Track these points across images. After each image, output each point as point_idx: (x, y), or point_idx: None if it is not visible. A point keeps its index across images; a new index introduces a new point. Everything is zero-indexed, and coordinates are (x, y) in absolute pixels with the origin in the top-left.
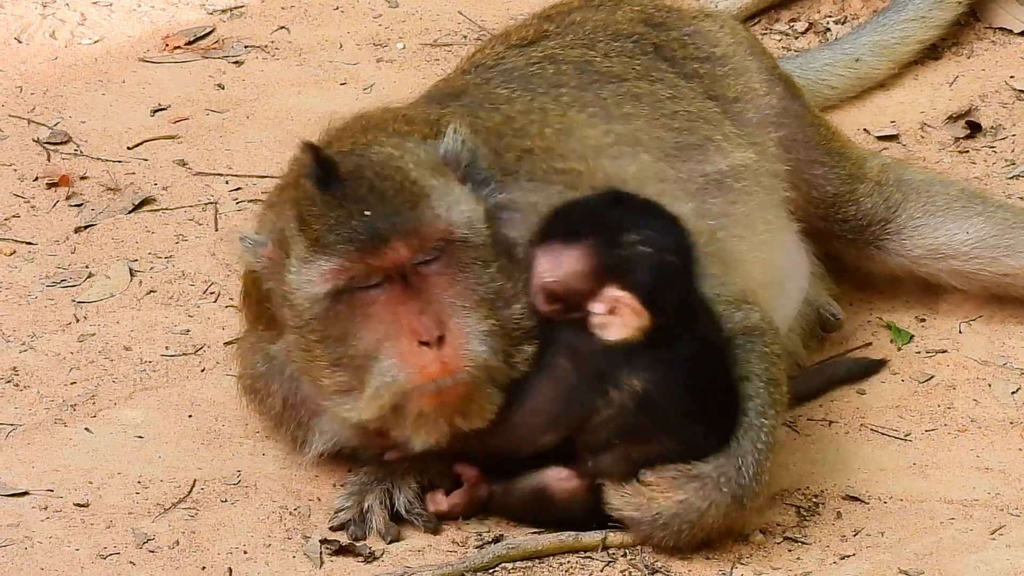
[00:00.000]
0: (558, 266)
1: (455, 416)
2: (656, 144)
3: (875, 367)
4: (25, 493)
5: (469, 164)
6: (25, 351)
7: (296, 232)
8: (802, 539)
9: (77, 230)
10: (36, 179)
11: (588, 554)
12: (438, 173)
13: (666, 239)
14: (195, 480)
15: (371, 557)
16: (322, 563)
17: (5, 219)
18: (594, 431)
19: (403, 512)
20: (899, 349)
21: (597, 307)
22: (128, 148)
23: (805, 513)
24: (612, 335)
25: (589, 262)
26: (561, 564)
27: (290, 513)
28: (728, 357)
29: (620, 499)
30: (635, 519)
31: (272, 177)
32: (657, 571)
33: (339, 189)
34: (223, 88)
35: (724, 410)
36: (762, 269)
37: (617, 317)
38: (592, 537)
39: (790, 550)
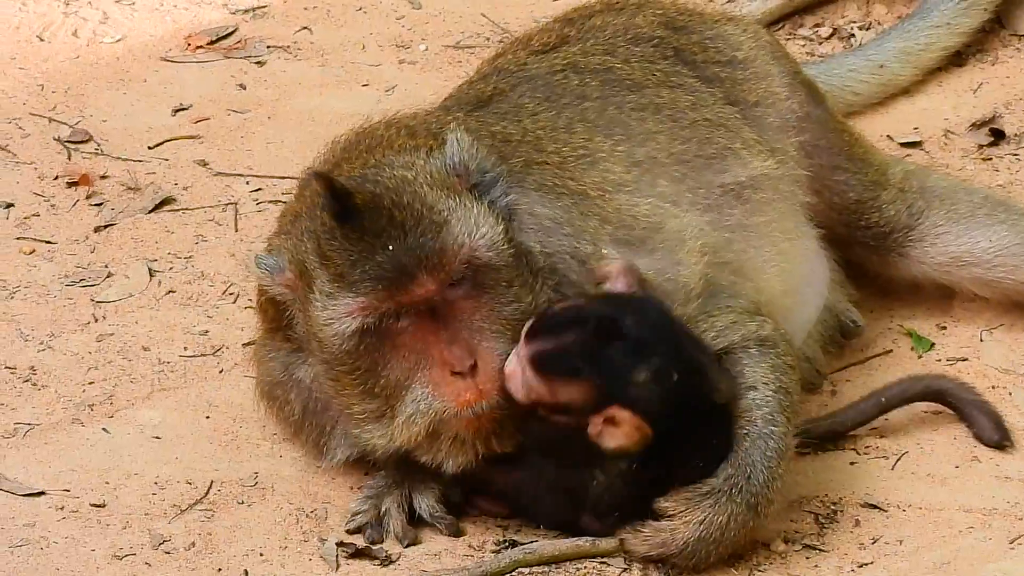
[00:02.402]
0: (555, 394)
1: (490, 439)
2: (675, 162)
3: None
4: (41, 493)
5: (476, 169)
6: (43, 350)
7: (318, 266)
8: (820, 546)
9: (97, 229)
10: (56, 178)
11: (605, 559)
12: (452, 191)
13: (673, 361)
14: (212, 481)
15: (388, 561)
16: (338, 566)
17: (25, 218)
18: (593, 503)
19: (425, 516)
20: (919, 357)
21: (598, 420)
22: (149, 148)
23: (823, 520)
24: (610, 444)
25: (593, 394)
26: (578, 569)
27: (307, 515)
28: (715, 384)
29: (643, 544)
30: (663, 555)
31: (293, 178)
32: None
33: (358, 222)
34: (245, 88)
35: (718, 434)
36: (781, 277)
37: (618, 430)
38: (610, 542)
39: (808, 557)
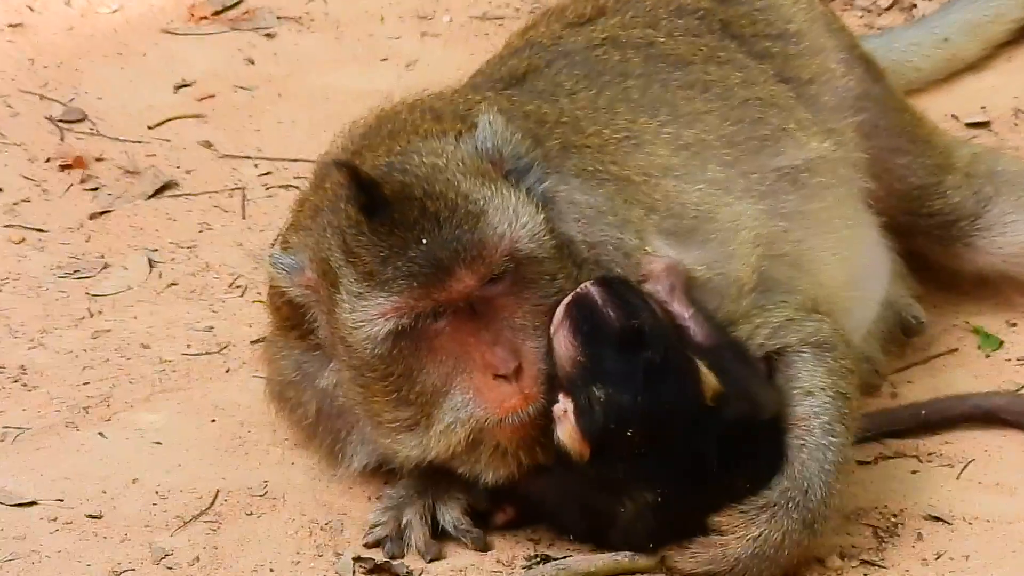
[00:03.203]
0: (560, 344)
1: (534, 448)
2: (725, 145)
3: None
4: (33, 503)
5: (511, 154)
6: (34, 348)
7: (343, 264)
8: (879, 563)
9: (92, 216)
10: (48, 160)
11: None
12: (487, 179)
13: (647, 412)
14: (218, 490)
15: None
16: None
17: (14, 204)
18: (624, 533)
19: (450, 528)
20: (987, 356)
21: (559, 405)
22: (149, 128)
23: (883, 534)
24: (557, 434)
25: (567, 367)
26: None
27: (321, 528)
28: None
29: (690, 561)
30: (713, 573)
31: (305, 161)
32: None
33: (387, 215)
34: (253, 63)
35: (766, 447)
36: (840, 269)
37: (562, 426)
38: (651, 558)
39: (866, 574)
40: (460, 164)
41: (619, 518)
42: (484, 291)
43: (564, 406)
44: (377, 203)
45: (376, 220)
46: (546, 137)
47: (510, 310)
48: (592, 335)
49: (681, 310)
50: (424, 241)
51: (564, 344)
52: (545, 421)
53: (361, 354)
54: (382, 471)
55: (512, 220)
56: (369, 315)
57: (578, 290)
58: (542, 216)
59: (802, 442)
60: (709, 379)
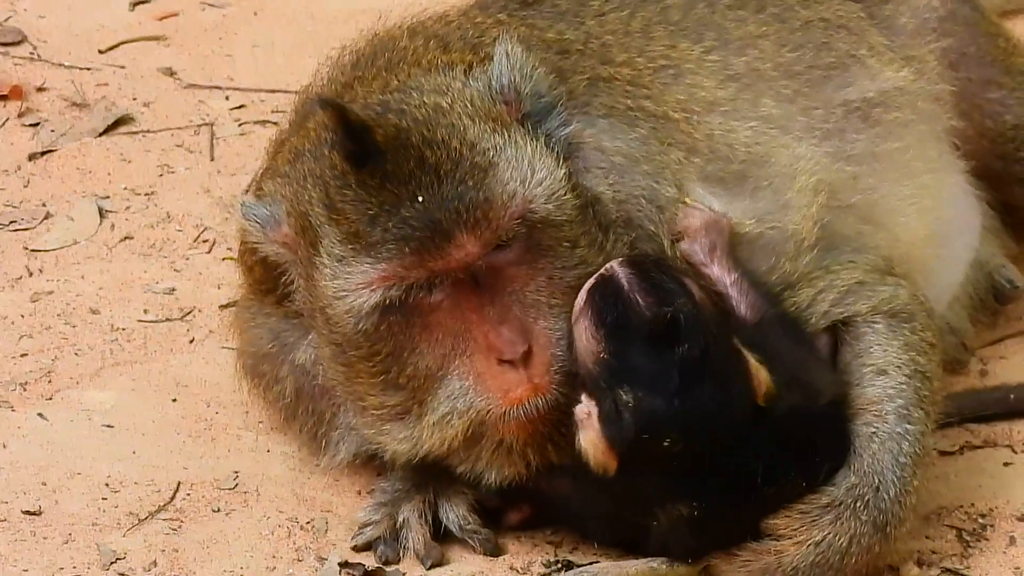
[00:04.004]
0: (574, 328)
1: (545, 446)
2: (783, 75)
3: None
4: None
5: (530, 93)
6: None
7: (326, 221)
8: (964, 571)
9: (32, 157)
10: None
11: None
12: (499, 124)
13: (677, 418)
14: (179, 483)
15: None
16: None
17: None
18: (659, 547)
19: (454, 529)
20: None
21: (581, 409)
22: (100, 52)
23: (969, 538)
24: (579, 442)
25: (591, 365)
26: None
27: (301, 528)
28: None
29: (739, 571)
30: None
31: (285, 92)
32: None
33: (378, 166)
34: None
35: (827, 437)
36: (921, 221)
37: (585, 434)
38: (689, 567)
39: None
40: (468, 105)
41: (652, 530)
42: (490, 259)
43: (588, 408)
44: (367, 151)
45: (365, 171)
46: (570, 71)
47: (520, 283)
48: (618, 326)
49: (722, 274)
50: (420, 199)
51: (586, 336)
52: (558, 415)
53: (343, 329)
54: (374, 460)
55: (526, 176)
56: (353, 284)
57: (602, 271)
58: (563, 171)
59: (873, 430)
60: (761, 375)
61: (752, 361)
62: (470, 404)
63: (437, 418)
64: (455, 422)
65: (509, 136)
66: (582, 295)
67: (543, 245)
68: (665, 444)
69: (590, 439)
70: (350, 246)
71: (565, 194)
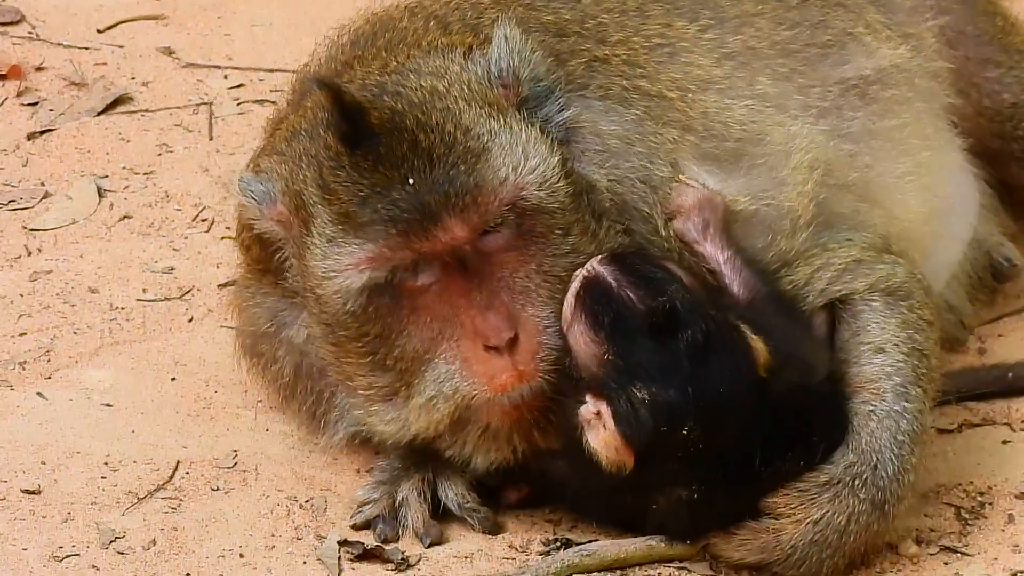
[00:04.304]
0: (570, 332)
1: (531, 432)
2: (779, 53)
3: None
4: None
5: (528, 77)
6: None
7: (319, 201)
8: (963, 549)
9: (31, 136)
10: None
11: (684, 564)
12: (495, 109)
13: (696, 405)
14: (178, 462)
15: (404, 564)
16: (340, 571)
17: None
18: (658, 528)
19: (453, 507)
20: None
21: (587, 409)
22: (98, 31)
23: (967, 516)
24: (591, 443)
25: (595, 366)
26: None
27: (300, 506)
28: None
29: (739, 549)
30: (764, 562)
31: (283, 71)
32: None
33: (372, 148)
34: None
35: (822, 416)
36: (918, 201)
37: (597, 433)
38: (687, 546)
39: (947, 563)
40: (465, 89)
41: (651, 511)
42: (480, 245)
43: (595, 409)
44: (361, 133)
45: (358, 153)
46: (568, 53)
47: (510, 269)
48: (616, 325)
49: (715, 252)
50: (411, 181)
51: (584, 341)
52: (544, 401)
53: (332, 309)
54: (374, 441)
55: (519, 162)
56: (342, 264)
57: (584, 273)
58: (557, 157)
59: (871, 408)
60: (758, 346)
61: (749, 334)
62: (456, 388)
63: (424, 401)
64: (440, 406)
65: (504, 121)
66: (570, 300)
67: (535, 232)
68: (684, 433)
69: (603, 439)
70: (340, 227)
71: (558, 181)
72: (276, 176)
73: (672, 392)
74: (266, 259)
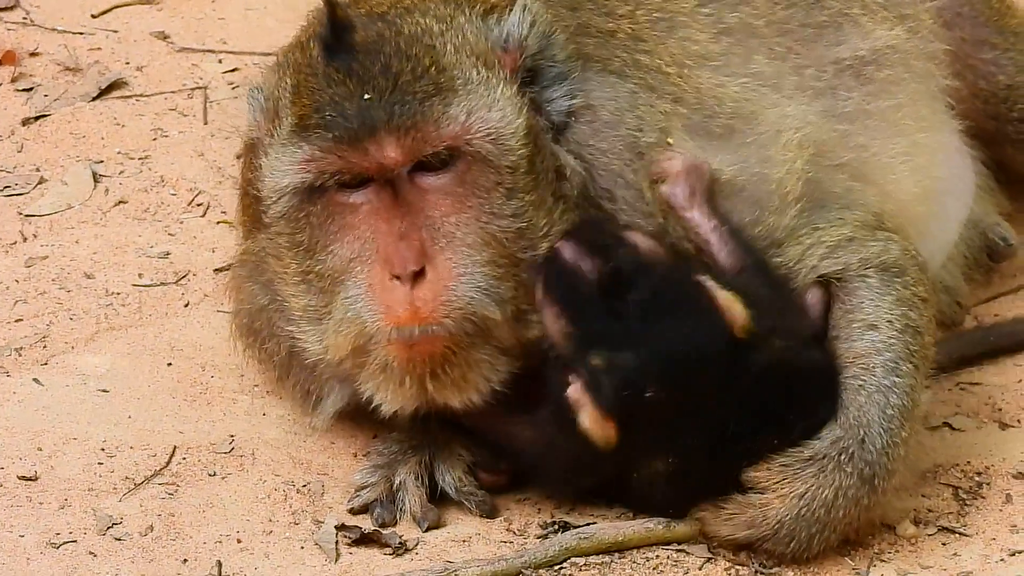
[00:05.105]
0: (543, 309)
1: (428, 380)
2: (776, 32)
3: None
4: None
5: (538, 54)
6: None
7: (287, 104)
8: (961, 529)
9: (25, 122)
10: None
11: (682, 547)
12: (485, 65)
13: (654, 370)
14: (175, 447)
15: (402, 548)
16: (338, 556)
17: None
18: (639, 501)
19: (451, 491)
20: None
21: (572, 389)
22: (92, 16)
23: (965, 496)
24: (582, 423)
25: (563, 343)
26: (648, 560)
27: (298, 491)
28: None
29: (726, 524)
30: (752, 538)
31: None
32: (771, 570)
33: (348, 62)
34: None
35: (811, 389)
36: (913, 180)
37: (584, 409)
38: (688, 526)
39: (945, 543)
40: (459, 37)
41: (632, 484)
42: (418, 179)
43: (576, 387)
44: (342, 47)
45: (333, 64)
46: (582, 28)
47: (442, 211)
48: (569, 297)
49: (702, 220)
50: (366, 97)
51: (551, 318)
52: (444, 351)
53: (270, 210)
54: (370, 422)
55: (478, 110)
56: (282, 164)
57: (548, 252)
58: (522, 121)
59: (860, 383)
60: (735, 308)
61: (723, 295)
62: (358, 313)
63: (335, 322)
64: (344, 330)
65: (487, 76)
66: (537, 282)
67: (477, 184)
68: (648, 395)
69: (588, 416)
70: (293, 130)
71: (516, 144)
72: (269, 84)
73: (626, 354)
74: (256, 217)
